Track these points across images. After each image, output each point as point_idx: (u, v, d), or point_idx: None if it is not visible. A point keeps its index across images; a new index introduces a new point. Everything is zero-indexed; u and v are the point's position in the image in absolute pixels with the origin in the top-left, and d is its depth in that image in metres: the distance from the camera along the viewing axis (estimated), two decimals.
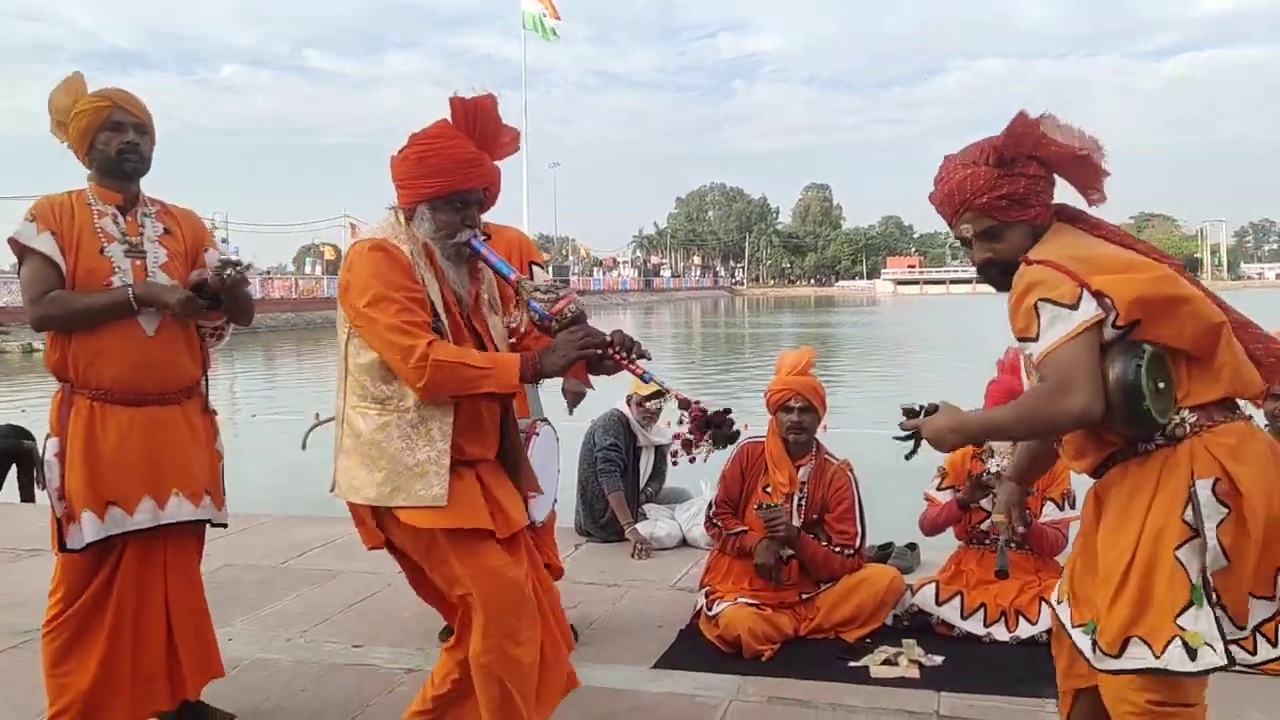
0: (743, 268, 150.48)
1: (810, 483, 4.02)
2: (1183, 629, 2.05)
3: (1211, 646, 2.05)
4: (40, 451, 2.96)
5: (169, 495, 3.04)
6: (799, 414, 3.98)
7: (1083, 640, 2.22)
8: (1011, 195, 2.24)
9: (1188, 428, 2.12)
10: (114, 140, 2.99)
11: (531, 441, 3.65)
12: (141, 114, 3.04)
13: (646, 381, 2.59)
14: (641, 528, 5.29)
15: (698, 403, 2.65)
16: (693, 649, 3.88)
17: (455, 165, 2.51)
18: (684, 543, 5.37)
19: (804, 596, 3.99)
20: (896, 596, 3.95)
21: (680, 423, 4.04)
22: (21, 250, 2.90)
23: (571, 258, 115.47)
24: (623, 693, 3.51)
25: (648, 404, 5.42)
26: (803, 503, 4.00)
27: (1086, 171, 2.28)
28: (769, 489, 4.02)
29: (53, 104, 3.05)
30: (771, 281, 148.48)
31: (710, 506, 4.18)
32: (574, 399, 3.98)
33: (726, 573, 4.09)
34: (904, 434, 2.35)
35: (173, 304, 2.94)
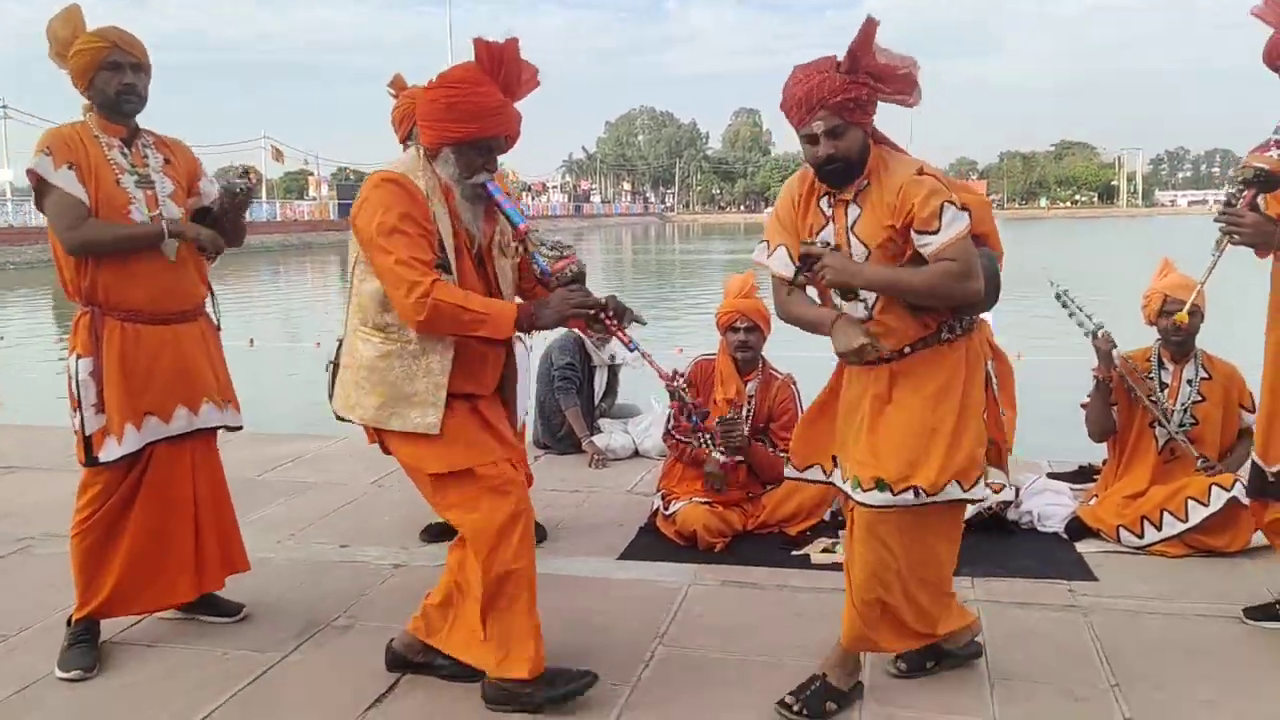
0: (673, 194, 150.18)
1: (757, 395, 4.45)
2: (982, 463, 2.80)
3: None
4: (74, 371, 3.20)
5: (200, 403, 3.37)
6: (745, 333, 4.39)
7: (879, 495, 2.72)
8: (857, 99, 2.60)
9: (972, 321, 2.81)
10: (113, 80, 3.18)
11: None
12: (139, 53, 3.22)
13: (632, 350, 2.82)
14: (597, 440, 5.71)
15: (680, 378, 3.08)
16: (652, 543, 4.33)
17: (484, 113, 2.65)
18: (636, 453, 5.81)
19: (751, 496, 4.45)
20: (833, 495, 4.42)
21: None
22: (40, 182, 3.12)
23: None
24: (594, 580, 3.94)
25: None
26: (750, 413, 4.44)
27: (905, 84, 2.65)
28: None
29: (52, 33, 3.21)
30: (701, 208, 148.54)
31: (669, 420, 4.59)
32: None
33: (681, 477, 4.53)
34: (802, 257, 2.67)
35: (206, 242, 3.27)
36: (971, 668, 3.16)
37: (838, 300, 2.83)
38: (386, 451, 3.01)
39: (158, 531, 3.34)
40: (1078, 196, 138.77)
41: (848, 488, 2.83)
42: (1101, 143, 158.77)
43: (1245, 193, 3.05)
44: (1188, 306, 3.34)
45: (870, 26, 2.57)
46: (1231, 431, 4.35)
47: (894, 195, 2.64)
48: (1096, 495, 4.51)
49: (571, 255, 2.72)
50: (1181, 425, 4.29)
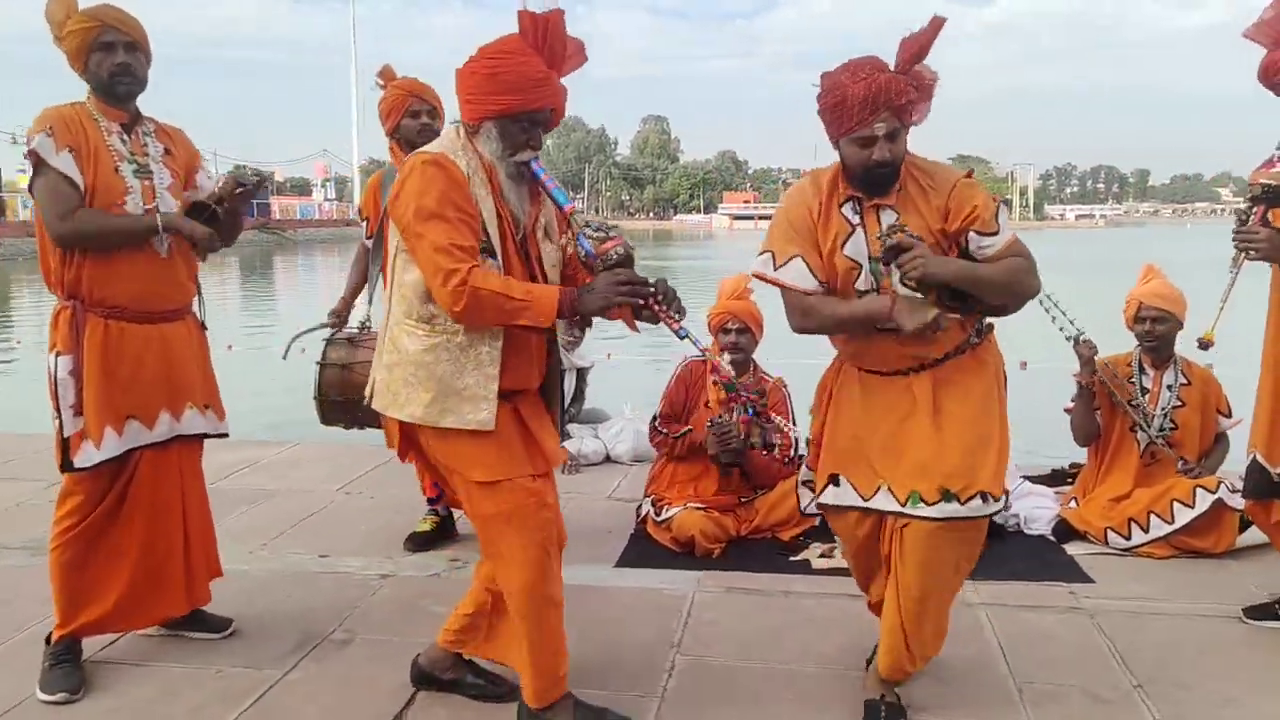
0: (583, 199, 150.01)
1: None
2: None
3: None
4: (52, 369, 2.97)
5: (184, 408, 3.16)
6: (736, 335, 4.34)
7: (946, 507, 2.63)
8: (912, 105, 2.55)
9: (989, 327, 2.79)
10: (105, 62, 2.99)
11: None
12: (133, 31, 3.02)
13: (682, 338, 2.53)
14: (568, 445, 5.59)
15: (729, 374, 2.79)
16: (647, 550, 4.24)
17: (527, 83, 2.47)
18: (608, 459, 5.71)
19: (743, 500, 4.40)
20: None
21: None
22: (39, 163, 2.90)
23: None
24: (596, 589, 3.84)
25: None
26: (740, 414, 4.39)
27: (925, 96, 2.60)
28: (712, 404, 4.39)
29: (49, 16, 3.01)
30: (610, 214, 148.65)
31: (654, 419, 4.51)
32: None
33: (671, 481, 4.46)
34: (889, 247, 2.52)
35: (200, 239, 3.05)
36: (993, 673, 3.16)
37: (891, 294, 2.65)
38: (405, 458, 2.87)
39: (148, 544, 3.13)
40: None
41: (903, 506, 2.69)
42: (995, 158, 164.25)
43: (1256, 209, 3.13)
44: (1213, 325, 3.36)
45: (938, 23, 2.51)
46: (1209, 435, 4.46)
47: (944, 199, 2.60)
48: (1076, 498, 4.59)
49: (618, 237, 2.51)
50: (1162, 429, 4.39)
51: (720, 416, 4.25)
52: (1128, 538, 4.20)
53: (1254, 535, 4.00)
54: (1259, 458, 3.35)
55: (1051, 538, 4.37)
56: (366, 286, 4.20)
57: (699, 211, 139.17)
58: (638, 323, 2.58)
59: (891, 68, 2.55)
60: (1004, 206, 2.60)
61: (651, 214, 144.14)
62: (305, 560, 4.16)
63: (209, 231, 3.10)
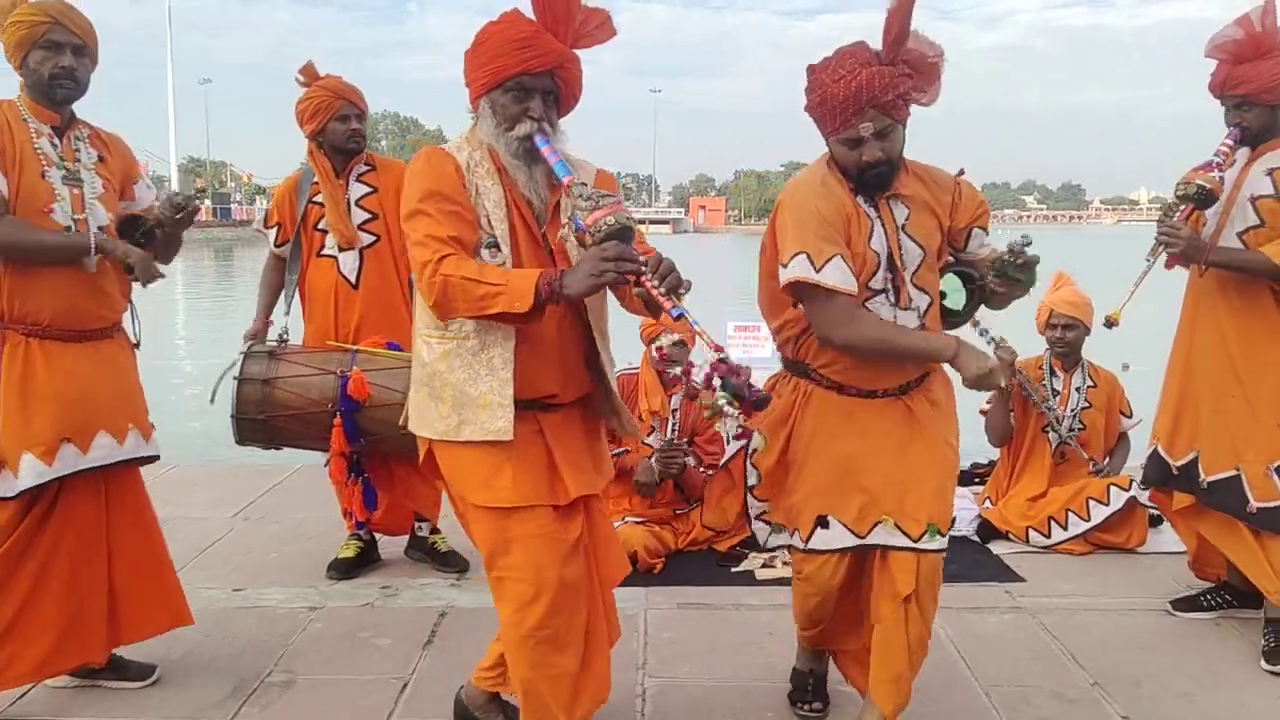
0: None
1: (682, 408, 4.34)
2: None
3: None
4: None
5: (111, 432, 2.88)
6: (670, 348, 4.28)
7: (938, 540, 2.56)
8: (904, 94, 2.41)
9: None
10: (48, 62, 2.74)
11: None
12: (84, 33, 2.77)
13: (676, 318, 2.13)
14: None
15: (725, 361, 2.18)
16: None
17: (508, 47, 2.27)
18: None
19: (678, 512, 4.33)
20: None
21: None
22: None
23: (232, 184, 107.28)
24: None
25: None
26: (675, 427, 4.32)
27: (929, 75, 2.48)
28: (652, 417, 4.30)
29: None
30: None
31: None
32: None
33: (606, 494, 4.33)
34: (1029, 260, 2.41)
35: (137, 264, 2.75)
36: (959, 679, 3.20)
37: (893, 314, 2.53)
38: (437, 479, 2.63)
39: (69, 581, 2.81)
40: None
41: (917, 540, 2.54)
42: None
43: (1184, 207, 3.27)
44: (1121, 306, 3.42)
45: (906, 1, 2.37)
46: (1113, 435, 4.68)
47: (948, 194, 2.56)
48: (990, 498, 4.74)
49: (612, 204, 2.16)
50: (1071, 430, 4.58)
51: (676, 442, 4.19)
52: (1048, 536, 4.36)
53: (1161, 541, 4.31)
54: (1160, 449, 3.52)
55: (975, 538, 4.49)
56: (283, 297, 3.92)
57: None
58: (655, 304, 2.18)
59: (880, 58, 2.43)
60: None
61: None
62: (218, 595, 3.84)
63: (145, 257, 2.79)
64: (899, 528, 2.56)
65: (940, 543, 2.56)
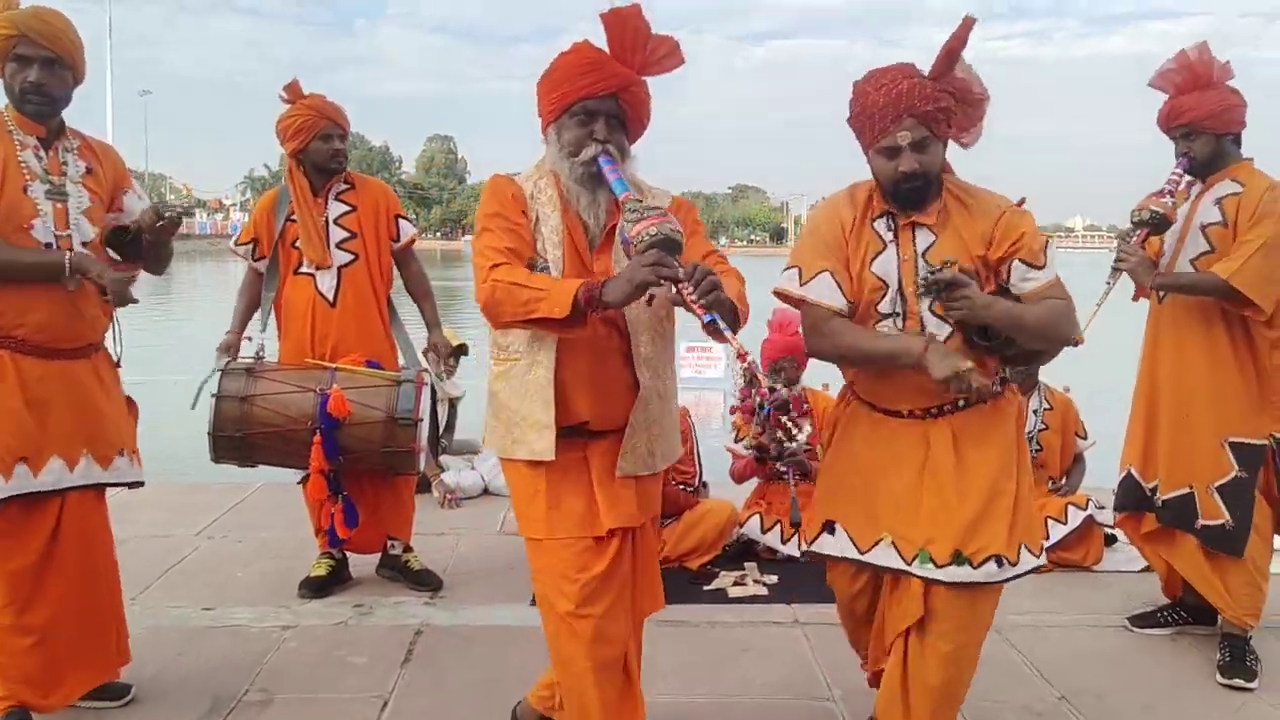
0: None
1: None
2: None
3: None
4: None
5: (79, 455, 2.83)
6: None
7: (957, 571, 2.43)
8: (946, 110, 2.38)
9: (1009, 373, 2.61)
10: (18, 75, 2.70)
11: (422, 393, 3.72)
12: (57, 45, 2.71)
13: (707, 323, 2.11)
14: (446, 478, 5.39)
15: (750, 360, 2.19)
16: None
17: (572, 73, 2.32)
18: (486, 491, 5.54)
19: None
20: (733, 528, 4.45)
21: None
22: None
23: (171, 196, 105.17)
24: (520, 629, 3.70)
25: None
26: None
27: (974, 113, 2.46)
28: None
29: None
30: None
31: None
32: None
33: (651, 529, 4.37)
34: (937, 281, 2.35)
35: (108, 286, 2.70)
36: None
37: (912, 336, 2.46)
38: None
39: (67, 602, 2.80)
40: (753, 236, 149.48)
41: (909, 564, 2.50)
42: (771, 187, 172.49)
43: (1139, 231, 3.42)
44: (1085, 326, 3.54)
45: (968, 24, 2.36)
46: (1068, 456, 4.82)
47: (990, 223, 2.42)
48: None
49: (657, 215, 2.15)
50: (1029, 452, 4.70)
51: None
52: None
53: (1116, 559, 4.45)
54: (1134, 472, 3.64)
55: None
56: (260, 314, 3.90)
57: None
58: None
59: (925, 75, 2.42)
60: (1052, 243, 2.45)
61: (439, 234, 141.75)
62: (189, 614, 3.80)
63: (121, 280, 2.74)
64: (895, 547, 2.53)
65: (949, 574, 2.44)
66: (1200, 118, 3.36)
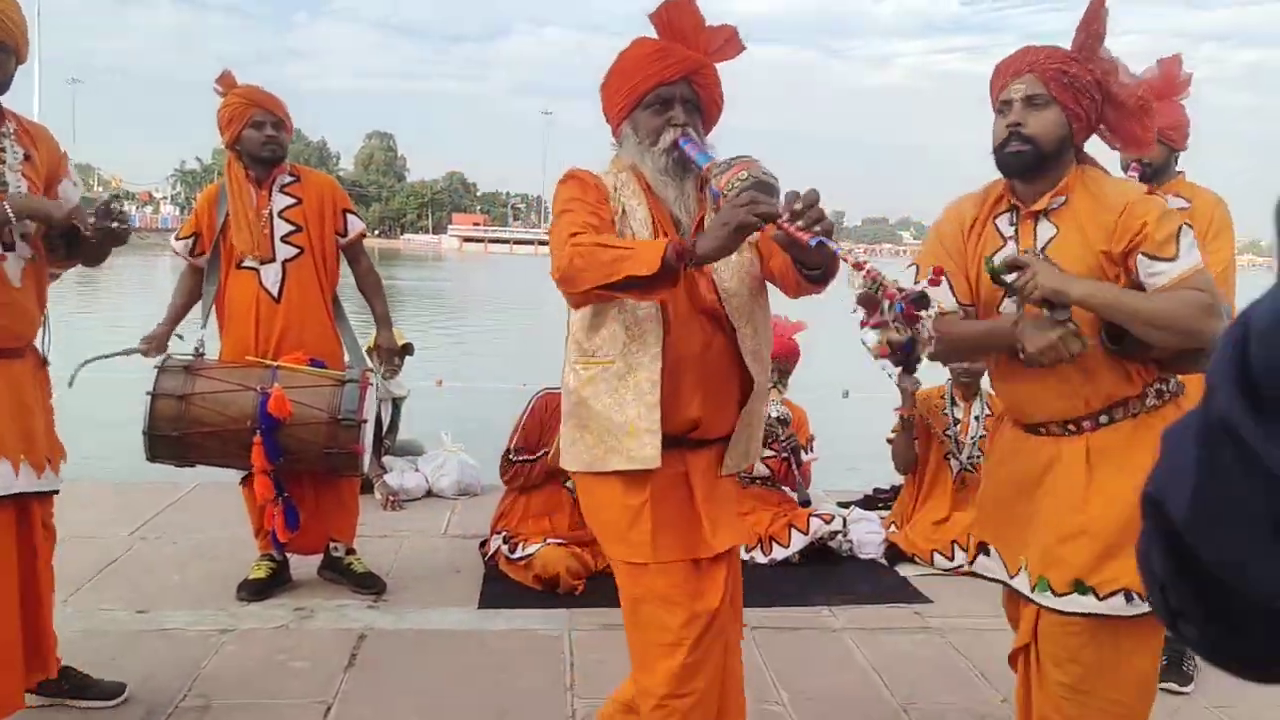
0: None
1: None
2: None
3: None
4: None
5: (18, 462, 2.72)
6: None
7: (1080, 600, 2.22)
8: (1074, 78, 2.19)
9: (1180, 384, 2.32)
10: None
11: (367, 393, 3.65)
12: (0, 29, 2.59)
13: (815, 246, 1.87)
14: (389, 480, 5.31)
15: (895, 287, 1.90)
16: (506, 589, 4.09)
17: (641, 63, 2.22)
18: (430, 493, 5.47)
19: None
20: None
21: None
22: None
23: (99, 188, 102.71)
24: (468, 633, 3.66)
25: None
26: None
27: (1137, 119, 2.26)
28: None
29: None
30: None
31: (506, 453, 4.37)
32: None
33: (524, 515, 4.34)
34: (1003, 269, 2.14)
35: (61, 221, 2.61)
36: (877, 697, 3.31)
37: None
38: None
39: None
40: None
41: (1025, 589, 2.33)
42: None
43: None
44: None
45: (1098, 2, 2.21)
46: None
47: (1115, 214, 2.18)
48: (895, 522, 4.90)
49: (743, 162, 2.00)
50: (971, 458, 4.78)
51: None
52: (951, 559, 4.53)
53: None
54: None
55: (883, 561, 4.63)
56: (201, 310, 3.80)
57: (428, 231, 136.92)
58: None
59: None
60: (1187, 229, 2.17)
61: (378, 232, 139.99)
62: (122, 617, 3.68)
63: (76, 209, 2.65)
64: (1002, 558, 2.40)
65: (1067, 603, 2.23)
66: (1165, 127, 3.41)
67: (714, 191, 2.03)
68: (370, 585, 4.00)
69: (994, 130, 2.27)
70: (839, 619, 3.92)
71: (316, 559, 4.11)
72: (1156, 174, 3.47)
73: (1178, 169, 3.52)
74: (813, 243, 1.87)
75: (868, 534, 4.75)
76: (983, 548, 2.51)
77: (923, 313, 1.84)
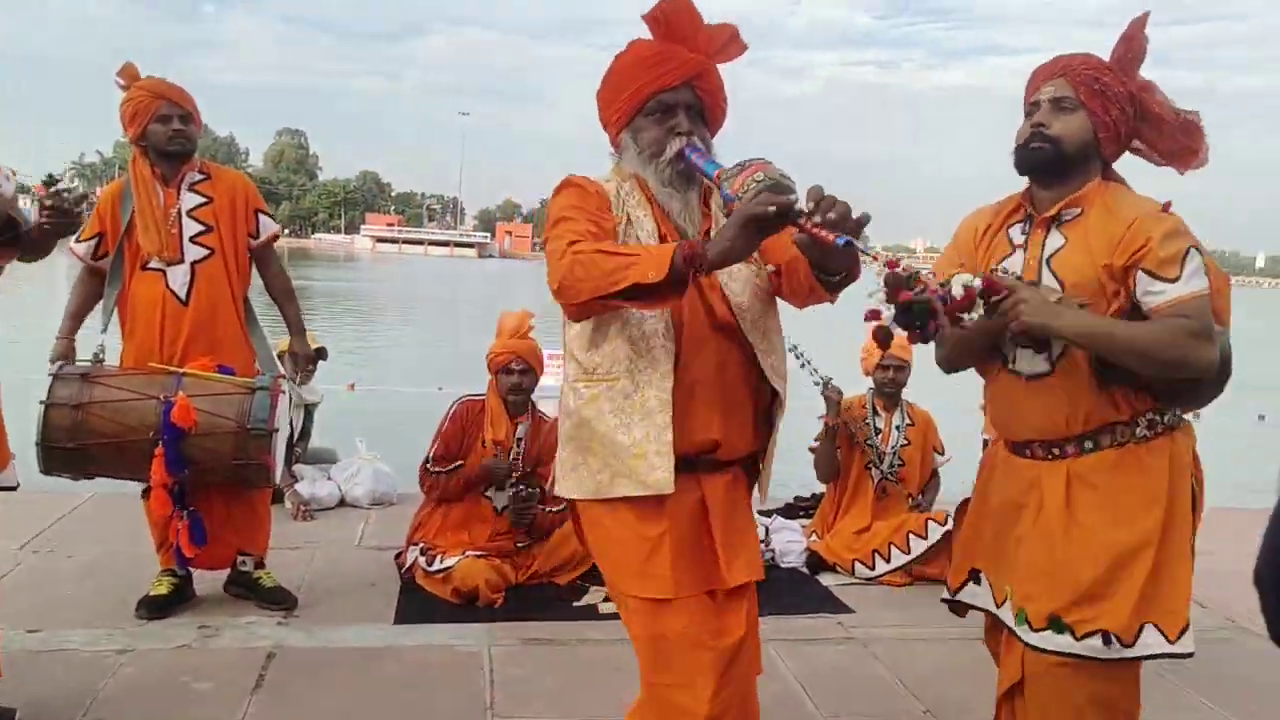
0: None
1: (527, 438, 4.28)
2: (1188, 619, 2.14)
3: None
4: None
5: None
6: (519, 376, 4.21)
7: (1055, 639, 2.17)
8: (1105, 86, 2.15)
9: (1179, 417, 2.24)
10: None
11: (279, 401, 3.51)
12: None
13: (844, 246, 1.73)
14: (300, 489, 5.14)
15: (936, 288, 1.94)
16: (423, 603, 3.97)
17: (639, 67, 2.09)
18: (343, 503, 5.30)
19: (520, 546, 4.25)
20: None
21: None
22: None
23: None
24: (383, 650, 3.53)
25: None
26: (519, 456, 4.26)
27: (1179, 139, 2.22)
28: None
29: None
30: None
31: (426, 461, 4.25)
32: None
33: (442, 527, 4.22)
34: (984, 295, 2.00)
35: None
36: (801, 708, 3.28)
37: (1013, 350, 2.24)
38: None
39: None
40: None
41: (1010, 620, 2.26)
42: None
43: None
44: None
45: (1142, 19, 2.19)
46: (927, 471, 4.95)
47: (1123, 228, 2.11)
48: (816, 531, 4.91)
49: (758, 164, 1.88)
50: (892, 467, 4.82)
51: (530, 491, 4.13)
52: (872, 568, 4.56)
53: None
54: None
55: (804, 570, 4.63)
56: (101, 314, 3.60)
57: (340, 231, 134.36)
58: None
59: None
60: (1195, 253, 2.09)
61: (289, 231, 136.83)
62: (11, 637, 3.44)
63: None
64: (990, 586, 2.33)
65: (1042, 639, 2.18)
66: None
67: (726, 195, 1.91)
68: (280, 601, 3.83)
69: (1019, 131, 2.22)
70: (762, 629, 3.87)
71: (222, 574, 3.93)
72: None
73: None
74: (839, 242, 1.73)
75: (789, 543, 4.75)
76: (973, 574, 2.42)
77: (966, 315, 1.85)
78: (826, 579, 4.55)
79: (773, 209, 1.76)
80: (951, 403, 5.11)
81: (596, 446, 2.08)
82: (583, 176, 2.16)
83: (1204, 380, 2.11)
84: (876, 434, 4.83)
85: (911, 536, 4.57)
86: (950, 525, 4.53)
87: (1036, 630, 2.19)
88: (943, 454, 4.97)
